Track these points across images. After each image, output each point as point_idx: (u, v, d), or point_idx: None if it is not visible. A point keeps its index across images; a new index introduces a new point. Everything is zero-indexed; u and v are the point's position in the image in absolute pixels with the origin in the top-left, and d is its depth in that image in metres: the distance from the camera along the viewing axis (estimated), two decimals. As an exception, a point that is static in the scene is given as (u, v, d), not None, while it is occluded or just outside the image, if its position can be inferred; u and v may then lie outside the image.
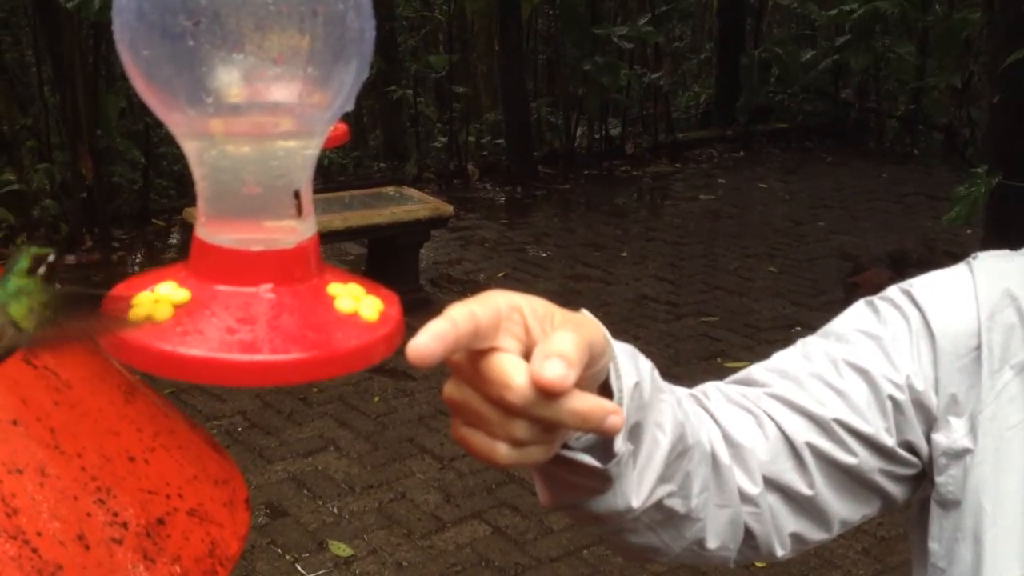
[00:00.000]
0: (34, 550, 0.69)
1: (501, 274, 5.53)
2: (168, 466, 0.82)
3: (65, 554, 0.70)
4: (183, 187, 6.86)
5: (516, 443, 0.56)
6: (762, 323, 4.85)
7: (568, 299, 5.20)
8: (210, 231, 0.52)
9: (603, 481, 0.65)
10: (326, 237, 5.01)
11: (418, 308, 4.69)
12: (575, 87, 7.72)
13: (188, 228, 5.71)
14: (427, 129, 8.20)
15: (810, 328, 0.89)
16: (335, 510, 3.32)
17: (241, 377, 0.49)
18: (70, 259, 0.56)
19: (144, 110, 6.86)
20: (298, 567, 3.03)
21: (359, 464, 3.61)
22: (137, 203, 6.29)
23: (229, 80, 0.49)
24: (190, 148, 0.51)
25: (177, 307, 0.50)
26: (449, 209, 5.06)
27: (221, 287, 0.51)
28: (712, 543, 0.78)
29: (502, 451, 0.56)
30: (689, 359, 4.45)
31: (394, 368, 4.20)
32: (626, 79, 7.62)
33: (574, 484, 0.66)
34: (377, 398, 4.07)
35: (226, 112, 0.50)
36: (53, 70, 6.06)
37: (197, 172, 0.51)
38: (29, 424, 0.74)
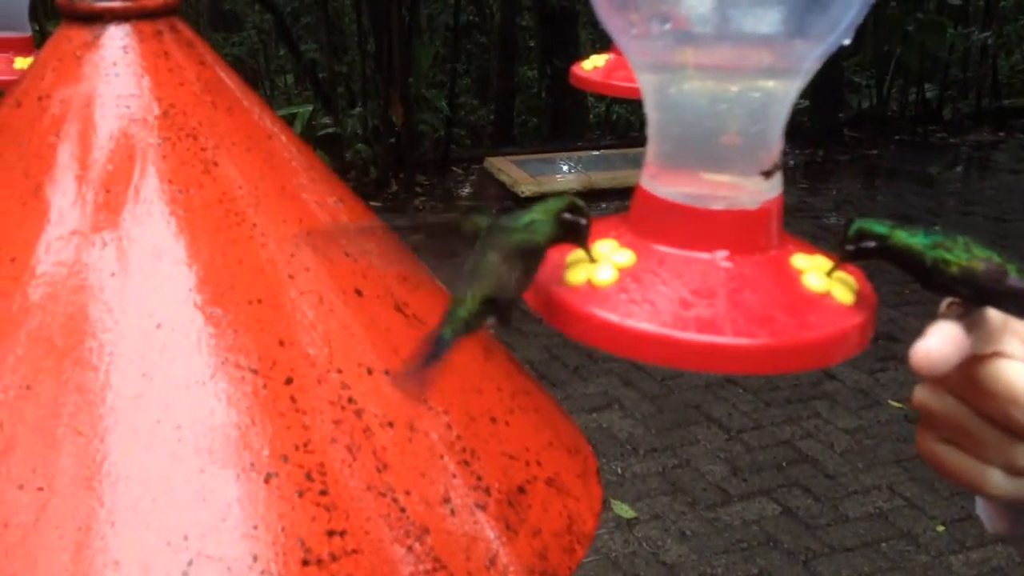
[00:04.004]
0: (402, 509, 0.65)
1: (798, 241, 5.25)
2: (526, 430, 0.77)
3: (431, 516, 0.66)
4: (478, 137, 7.04)
5: (1015, 472, 0.45)
6: (1099, 315, 4.32)
7: (871, 274, 4.88)
8: (659, 183, 0.44)
9: None
10: (608, 195, 4.92)
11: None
12: (892, 46, 7.19)
13: (485, 176, 5.85)
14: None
15: None
16: (618, 470, 3.28)
17: (698, 361, 0.41)
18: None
19: (448, 60, 7.10)
20: (580, 523, 3.02)
21: (643, 426, 3.55)
22: (439, 151, 6.51)
23: (700, 1, 0.41)
24: (648, 82, 0.43)
25: (622, 271, 0.42)
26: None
27: (669, 250, 0.43)
28: None
29: (995, 480, 0.45)
30: (1009, 348, 4.04)
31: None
32: (950, 39, 7.01)
33: None
34: (664, 360, 3.98)
35: (695, 41, 0.41)
36: (371, 20, 6.35)
37: (653, 112, 0.44)
38: (400, 376, 0.71)
